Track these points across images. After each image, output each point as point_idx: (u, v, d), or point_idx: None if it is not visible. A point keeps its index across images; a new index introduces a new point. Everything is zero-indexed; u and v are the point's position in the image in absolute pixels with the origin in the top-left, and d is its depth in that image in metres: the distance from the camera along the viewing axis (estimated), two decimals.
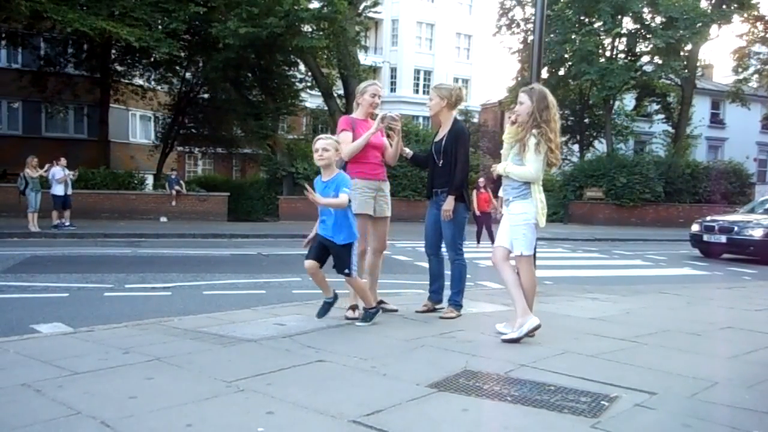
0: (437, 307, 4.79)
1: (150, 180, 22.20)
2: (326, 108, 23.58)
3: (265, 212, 21.52)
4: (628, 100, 30.19)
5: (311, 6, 19.13)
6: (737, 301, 6.01)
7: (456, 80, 39.93)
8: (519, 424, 2.45)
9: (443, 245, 4.75)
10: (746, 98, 28.05)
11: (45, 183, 14.47)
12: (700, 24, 22.81)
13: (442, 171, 4.61)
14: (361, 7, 22.01)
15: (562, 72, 25.91)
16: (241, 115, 21.88)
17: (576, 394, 2.78)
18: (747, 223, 11.78)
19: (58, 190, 14.22)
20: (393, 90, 37.90)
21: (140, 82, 23.34)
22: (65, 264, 8.62)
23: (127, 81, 22.86)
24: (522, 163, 3.88)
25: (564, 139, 31.31)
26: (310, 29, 19.84)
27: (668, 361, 3.46)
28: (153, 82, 23.28)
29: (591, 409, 2.60)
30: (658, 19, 24.17)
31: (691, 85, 26.61)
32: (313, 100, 27.30)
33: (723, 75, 37.77)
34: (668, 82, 26.95)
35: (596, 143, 29.56)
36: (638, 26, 25.00)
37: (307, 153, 24.00)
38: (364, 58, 26.46)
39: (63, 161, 14.71)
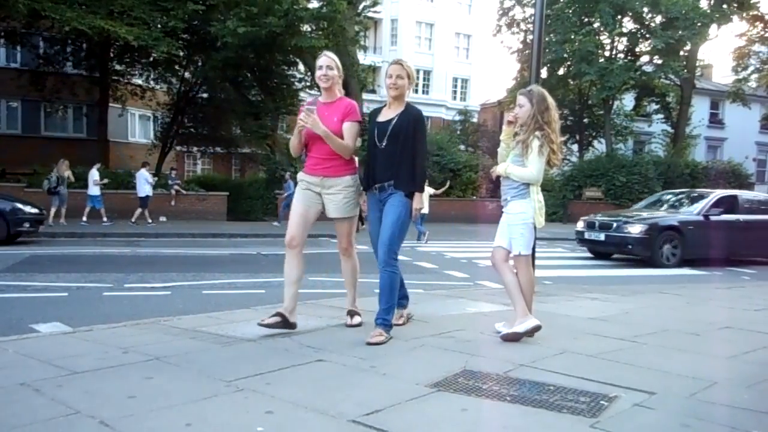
0: (408, 314, 4.37)
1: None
2: None
3: (264, 212, 21.51)
4: (628, 100, 30.21)
5: (310, 5, 19.13)
6: (736, 301, 6.02)
7: (455, 80, 40.05)
8: (518, 424, 2.45)
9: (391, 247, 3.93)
10: (746, 98, 28.09)
11: (70, 184, 15.43)
12: (699, 24, 22.85)
13: (390, 158, 3.91)
14: (361, 7, 22.01)
15: (561, 72, 25.93)
16: (241, 115, 21.87)
17: (575, 394, 2.79)
18: (627, 219, 10.86)
19: (95, 191, 15.48)
20: None
21: (139, 81, 23.32)
22: (64, 263, 8.61)
23: (126, 80, 22.84)
24: (523, 163, 3.87)
25: (563, 138, 31.06)
26: (309, 29, 19.83)
27: (667, 361, 3.46)
28: (152, 82, 23.25)
29: (590, 408, 2.60)
30: (658, 19, 24.19)
31: (691, 85, 26.64)
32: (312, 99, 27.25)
33: (722, 75, 37.83)
34: (668, 82, 26.98)
35: (595, 143, 29.59)
36: (638, 26, 25.03)
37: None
38: (364, 58, 26.47)
39: (98, 165, 16.30)
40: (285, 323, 3.88)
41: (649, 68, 25.25)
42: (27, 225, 11.54)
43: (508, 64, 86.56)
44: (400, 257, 4.05)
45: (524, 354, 3.52)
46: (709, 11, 23.66)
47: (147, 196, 16.19)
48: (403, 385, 2.90)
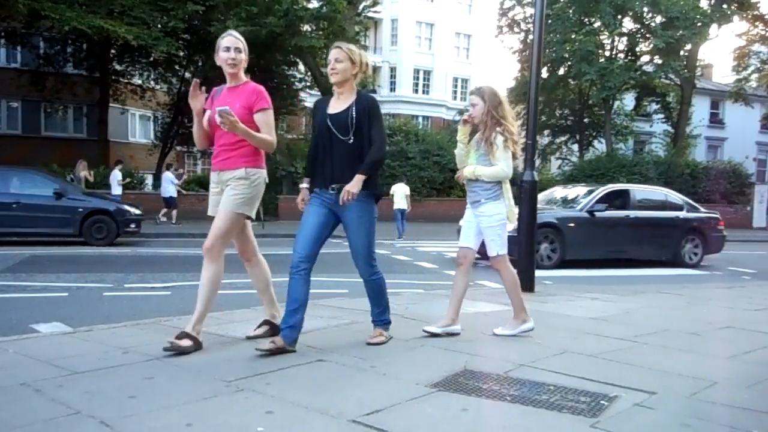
0: (289, 348, 3.41)
1: (149, 180, 22.20)
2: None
3: (264, 212, 21.49)
4: (628, 100, 30.20)
5: (310, 5, 19.14)
6: (737, 301, 6.01)
7: (456, 80, 40.03)
8: (518, 424, 2.45)
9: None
10: (748, 97, 28.08)
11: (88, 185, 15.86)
12: (699, 24, 22.85)
13: (354, 154, 3.48)
14: (361, 7, 22.01)
15: (561, 72, 25.92)
16: None
17: (575, 394, 2.78)
18: None
19: (117, 191, 15.96)
20: (392, 89, 37.89)
21: (139, 81, 23.32)
22: (64, 264, 8.61)
23: (126, 80, 22.85)
24: (490, 162, 3.90)
25: (563, 138, 31.33)
26: (309, 29, 19.84)
27: (668, 361, 3.46)
28: (152, 82, 23.26)
29: (590, 408, 2.60)
30: (658, 19, 24.19)
31: (691, 85, 26.63)
32: (312, 99, 27.24)
33: (722, 75, 37.82)
34: (668, 82, 26.98)
35: (596, 143, 29.57)
36: (638, 26, 25.02)
37: (306, 152, 23.95)
38: None
39: (120, 165, 16.83)
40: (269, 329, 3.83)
41: (649, 68, 25.23)
42: (133, 225, 12.01)
43: (508, 64, 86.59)
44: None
45: (524, 354, 3.52)
46: (709, 11, 23.65)
47: (171, 197, 16.85)
48: (404, 385, 2.90)
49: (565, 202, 10.77)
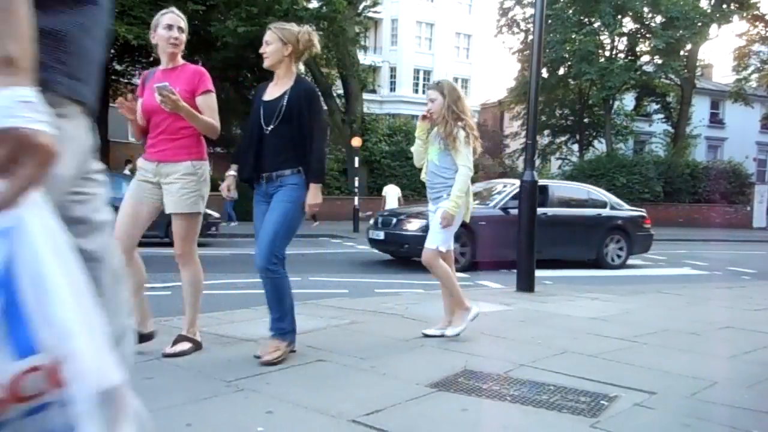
0: (289, 347, 3.29)
1: None
2: (325, 108, 23.60)
3: None
4: (628, 100, 30.21)
5: (310, 6, 19.15)
6: (737, 301, 6.01)
7: (456, 80, 40.00)
8: (518, 424, 2.45)
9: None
10: (748, 97, 28.09)
11: None
12: (700, 24, 22.87)
13: (280, 143, 3.22)
14: (361, 7, 22.02)
15: (561, 72, 25.94)
16: (241, 115, 21.83)
17: (575, 394, 2.78)
18: (409, 214, 9.22)
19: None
20: (393, 89, 37.90)
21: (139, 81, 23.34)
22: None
23: (126, 80, 22.86)
24: (451, 157, 3.81)
25: (563, 138, 31.34)
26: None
27: (668, 361, 3.46)
28: None
29: (590, 408, 2.60)
30: (659, 19, 24.21)
31: (691, 85, 26.65)
32: None
33: (722, 75, 37.83)
34: (668, 82, 27.00)
35: (596, 143, 29.59)
36: (638, 26, 25.04)
37: None
38: (364, 58, 26.48)
39: (129, 165, 16.78)
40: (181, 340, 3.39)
41: (649, 68, 25.26)
42: (213, 229, 12.68)
43: (508, 64, 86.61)
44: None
45: (524, 354, 3.52)
46: (709, 11, 23.68)
47: None
48: (404, 385, 2.90)
49: (482, 198, 9.49)
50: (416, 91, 38.19)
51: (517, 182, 9.60)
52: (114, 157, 23.73)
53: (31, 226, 0.73)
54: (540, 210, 8.70)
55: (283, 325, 3.26)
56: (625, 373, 3.16)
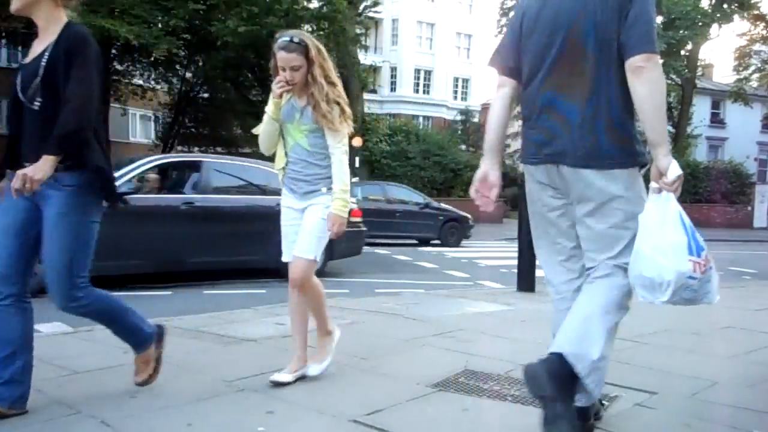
0: (12, 411, 2.33)
1: None
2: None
3: None
4: None
5: (311, 5, 19.16)
6: (738, 301, 6.00)
7: (456, 80, 40.06)
8: (519, 424, 2.45)
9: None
10: (748, 97, 28.08)
11: None
12: (700, 24, 22.87)
13: (44, 123, 2.33)
14: (361, 7, 22.03)
15: None
16: (241, 115, 21.87)
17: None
18: None
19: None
20: (393, 89, 37.91)
21: (140, 81, 23.33)
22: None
23: (126, 80, 22.86)
24: (323, 140, 2.89)
25: None
26: (310, 29, 19.85)
27: (669, 361, 3.45)
28: (152, 82, 23.27)
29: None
30: (659, 19, 24.19)
31: (692, 85, 26.65)
32: None
33: (723, 75, 37.79)
34: (669, 81, 26.98)
35: None
36: None
37: None
38: (364, 58, 26.50)
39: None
40: None
41: None
42: (470, 231, 14.40)
43: None
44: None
45: (525, 354, 3.51)
46: (710, 11, 23.67)
47: None
48: (404, 384, 2.90)
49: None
50: (417, 91, 38.21)
51: (155, 155, 8.35)
52: (115, 157, 23.75)
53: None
54: (180, 196, 6.73)
55: (137, 337, 2.70)
56: (626, 373, 3.15)
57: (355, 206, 7.74)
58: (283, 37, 2.80)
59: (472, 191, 2.28)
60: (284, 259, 3.01)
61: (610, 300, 2.20)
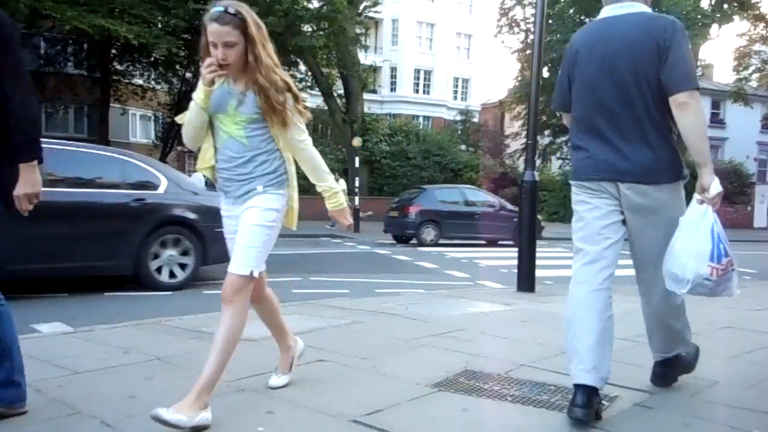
0: (11, 411, 2.33)
1: None
2: (326, 108, 23.62)
3: None
4: None
5: (311, 5, 19.16)
6: (738, 301, 5.99)
7: (456, 80, 40.09)
8: (519, 424, 2.45)
9: None
10: (748, 97, 28.08)
11: None
12: (700, 24, 22.85)
13: None
14: (361, 7, 22.04)
15: None
16: None
17: None
18: None
19: None
20: (393, 89, 37.93)
21: (140, 81, 23.35)
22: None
23: (127, 80, 22.88)
24: (268, 133, 2.46)
25: (564, 138, 31.32)
26: (309, 29, 19.86)
27: None
28: (153, 82, 23.29)
29: None
30: None
31: None
32: (313, 99, 27.29)
33: (723, 75, 37.81)
34: None
35: None
36: None
37: None
38: (364, 58, 26.52)
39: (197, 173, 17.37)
40: None
41: None
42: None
43: (508, 64, 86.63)
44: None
45: (525, 354, 3.52)
46: (710, 11, 23.65)
47: None
48: (404, 385, 2.90)
49: None
50: (416, 91, 38.22)
51: None
52: None
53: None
54: None
55: (9, 393, 2.33)
56: (626, 373, 3.15)
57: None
58: (215, 7, 2.39)
59: None
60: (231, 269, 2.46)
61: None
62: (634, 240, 2.63)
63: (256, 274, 2.41)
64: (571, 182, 2.68)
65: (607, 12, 2.57)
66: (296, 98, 2.48)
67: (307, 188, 2.78)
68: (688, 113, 2.37)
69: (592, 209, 2.57)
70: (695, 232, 2.39)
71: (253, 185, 2.46)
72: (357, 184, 18.47)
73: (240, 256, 2.40)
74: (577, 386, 2.41)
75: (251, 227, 2.41)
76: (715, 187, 2.39)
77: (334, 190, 2.60)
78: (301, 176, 2.65)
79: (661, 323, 2.80)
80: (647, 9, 2.56)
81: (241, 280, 2.38)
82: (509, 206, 15.38)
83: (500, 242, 14.87)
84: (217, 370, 2.34)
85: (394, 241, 14.79)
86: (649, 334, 2.88)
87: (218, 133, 2.49)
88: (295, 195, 2.61)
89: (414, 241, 14.38)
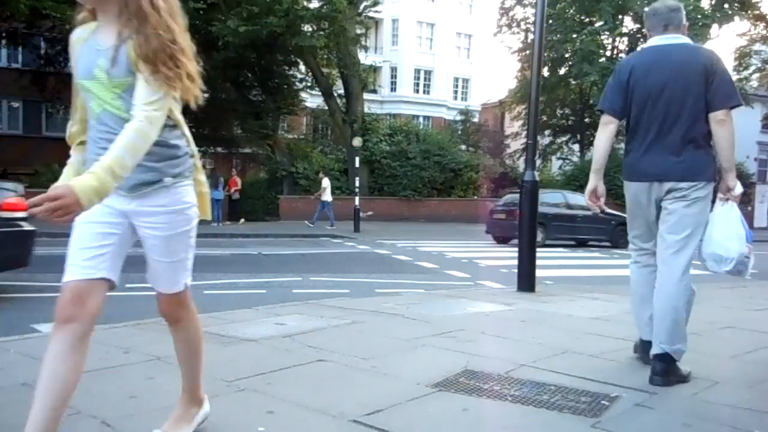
0: None
1: None
2: (326, 107, 23.63)
3: (265, 212, 21.53)
4: None
5: (311, 5, 19.17)
6: (738, 301, 6.01)
7: (456, 80, 40.09)
8: (519, 424, 2.45)
9: None
10: (748, 98, 28.06)
11: None
12: (701, 24, 22.84)
13: None
14: (362, 7, 22.04)
15: (562, 71, 25.92)
16: (242, 115, 21.90)
17: (576, 394, 2.78)
18: None
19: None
20: (393, 89, 37.92)
21: None
22: (65, 263, 8.58)
23: None
24: (153, 99, 1.79)
25: (564, 138, 31.33)
26: (310, 29, 19.87)
27: None
28: None
29: (591, 408, 2.60)
30: None
31: None
32: (313, 99, 27.34)
33: None
34: None
35: None
36: (639, 26, 25.01)
37: (307, 153, 24.07)
38: (365, 58, 26.51)
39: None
40: None
41: None
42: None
43: (508, 64, 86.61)
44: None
45: (525, 354, 3.52)
46: (710, 11, 23.64)
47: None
48: (404, 385, 2.90)
49: None
50: (417, 91, 38.21)
51: None
52: None
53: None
54: None
55: None
56: (626, 373, 3.15)
57: (14, 197, 5.25)
58: None
59: (587, 200, 3.33)
60: (66, 278, 1.99)
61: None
62: (667, 224, 3.11)
63: (190, 283, 2.10)
64: (624, 181, 3.22)
65: (656, 41, 3.11)
66: (178, 66, 1.93)
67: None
68: (725, 128, 2.94)
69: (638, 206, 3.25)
70: (730, 221, 3.08)
71: (157, 175, 1.92)
72: (357, 184, 18.47)
73: (173, 271, 2.05)
74: None
75: (167, 238, 2.01)
76: (739, 187, 3.07)
77: (98, 170, 1.66)
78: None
79: (671, 306, 3.00)
80: (690, 41, 3.12)
81: (179, 296, 2.12)
82: (607, 210, 15.41)
83: (596, 245, 15.42)
84: (197, 375, 2.31)
85: (394, 240, 14.78)
86: (656, 323, 3.03)
87: (89, 106, 1.86)
88: (204, 178, 2.12)
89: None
